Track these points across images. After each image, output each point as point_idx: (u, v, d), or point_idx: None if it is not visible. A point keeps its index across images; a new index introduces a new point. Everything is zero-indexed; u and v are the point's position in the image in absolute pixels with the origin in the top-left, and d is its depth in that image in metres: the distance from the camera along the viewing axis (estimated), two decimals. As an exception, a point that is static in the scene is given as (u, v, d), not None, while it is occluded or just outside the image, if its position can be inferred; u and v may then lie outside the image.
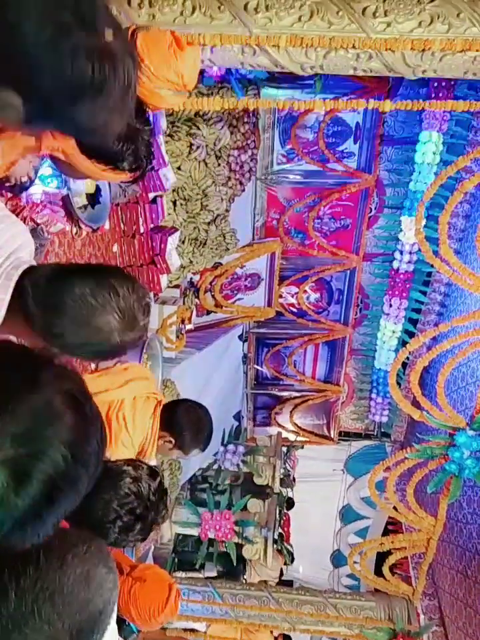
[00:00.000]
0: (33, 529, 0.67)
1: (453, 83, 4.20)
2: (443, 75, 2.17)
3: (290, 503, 6.32)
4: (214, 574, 5.59)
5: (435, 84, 4.22)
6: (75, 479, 0.69)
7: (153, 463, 1.84)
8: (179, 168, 3.77)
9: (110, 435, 1.66)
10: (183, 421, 1.91)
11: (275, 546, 5.17)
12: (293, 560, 6.22)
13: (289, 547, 6.08)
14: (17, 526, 0.65)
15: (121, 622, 2.30)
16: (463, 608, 4.22)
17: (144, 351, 3.49)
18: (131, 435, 1.73)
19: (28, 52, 0.72)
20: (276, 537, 5.27)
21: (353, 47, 2.03)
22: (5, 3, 0.71)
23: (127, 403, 1.74)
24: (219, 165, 4.09)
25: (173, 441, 1.90)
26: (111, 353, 1.19)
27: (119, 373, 1.80)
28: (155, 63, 1.79)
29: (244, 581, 5.26)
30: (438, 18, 1.97)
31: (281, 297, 5.92)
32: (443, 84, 4.20)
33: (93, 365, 1.76)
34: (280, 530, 5.76)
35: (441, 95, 4.22)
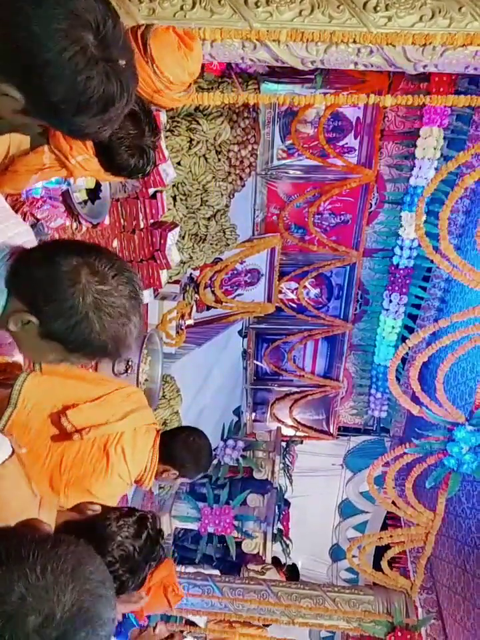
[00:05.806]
0: None
1: (453, 77, 4.18)
2: (444, 69, 2.17)
3: (286, 504, 6.32)
4: (213, 564, 5.61)
5: (436, 79, 4.21)
6: None
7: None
8: (178, 163, 3.75)
9: (107, 467, 1.63)
10: (183, 454, 1.89)
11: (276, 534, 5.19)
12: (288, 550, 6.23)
13: (287, 541, 6.10)
14: None
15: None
16: (461, 601, 4.24)
17: (144, 346, 3.50)
18: (129, 468, 1.70)
19: (48, 61, 0.79)
20: (275, 531, 5.29)
21: (354, 41, 2.03)
22: (33, 15, 0.78)
23: (126, 436, 1.69)
24: (219, 160, 4.08)
25: (177, 473, 1.91)
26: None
27: (118, 403, 1.73)
28: (171, 70, 1.79)
29: (247, 572, 5.28)
30: (439, 12, 1.96)
31: (280, 292, 5.92)
32: (444, 79, 4.19)
33: (95, 393, 1.68)
34: (279, 524, 5.78)
35: (441, 89, 4.21)
